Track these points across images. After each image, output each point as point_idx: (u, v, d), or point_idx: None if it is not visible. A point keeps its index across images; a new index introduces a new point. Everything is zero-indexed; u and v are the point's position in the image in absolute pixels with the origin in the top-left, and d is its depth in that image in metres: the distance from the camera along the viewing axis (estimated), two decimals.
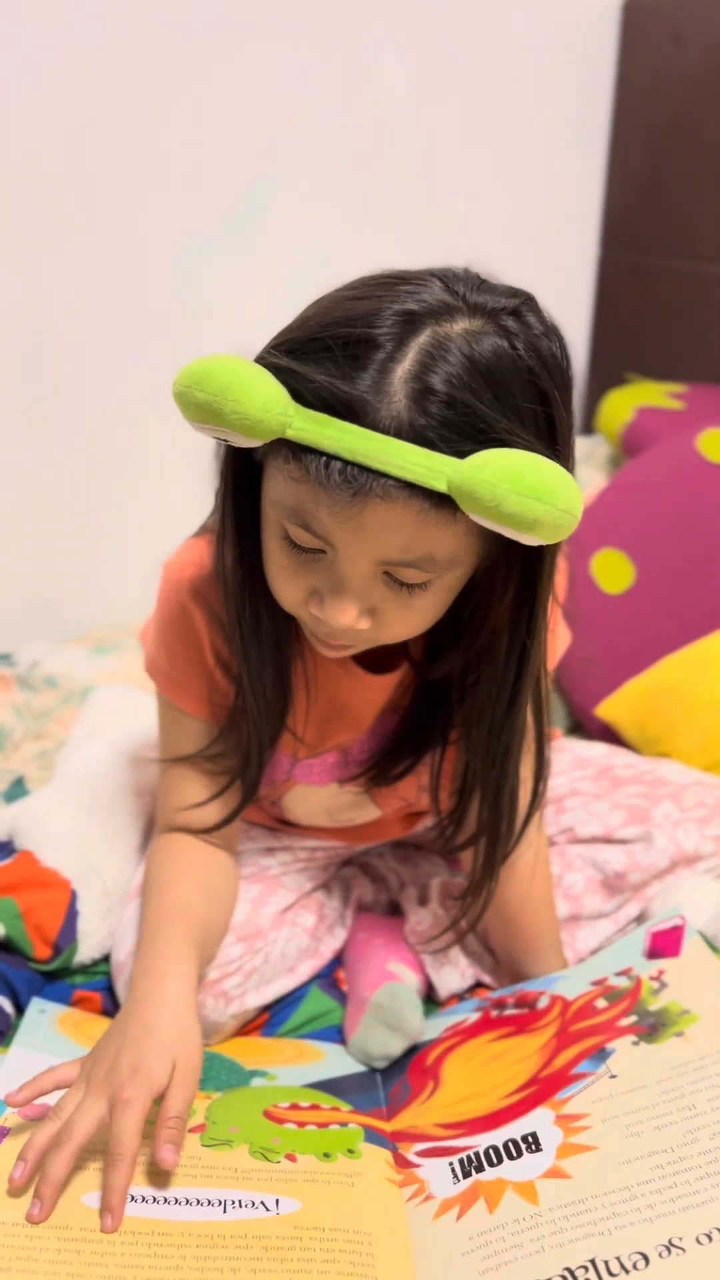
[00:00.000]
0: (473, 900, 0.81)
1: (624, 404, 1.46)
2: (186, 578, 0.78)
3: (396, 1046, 0.82)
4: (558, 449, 0.64)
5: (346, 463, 0.59)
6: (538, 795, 0.80)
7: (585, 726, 1.20)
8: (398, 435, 0.59)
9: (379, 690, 0.81)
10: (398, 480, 0.59)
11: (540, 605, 0.69)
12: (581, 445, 1.61)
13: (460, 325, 0.61)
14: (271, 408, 0.60)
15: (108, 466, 1.45)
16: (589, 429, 1.81)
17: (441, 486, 0.59)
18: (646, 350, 1.75)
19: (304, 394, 0.60)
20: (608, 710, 1.13)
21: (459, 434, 0.59)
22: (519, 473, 0.58)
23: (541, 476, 0.58)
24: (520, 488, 0.58)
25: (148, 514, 1.48)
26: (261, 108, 1.41)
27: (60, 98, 1.27)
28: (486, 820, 0.78)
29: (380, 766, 0.83)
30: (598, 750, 1.05)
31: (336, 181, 1.51)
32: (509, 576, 0.68)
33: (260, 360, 0.63)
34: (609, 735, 1.15)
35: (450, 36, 1.54)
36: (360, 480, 0.59)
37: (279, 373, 0.61)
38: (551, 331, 0.65)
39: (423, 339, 0.60)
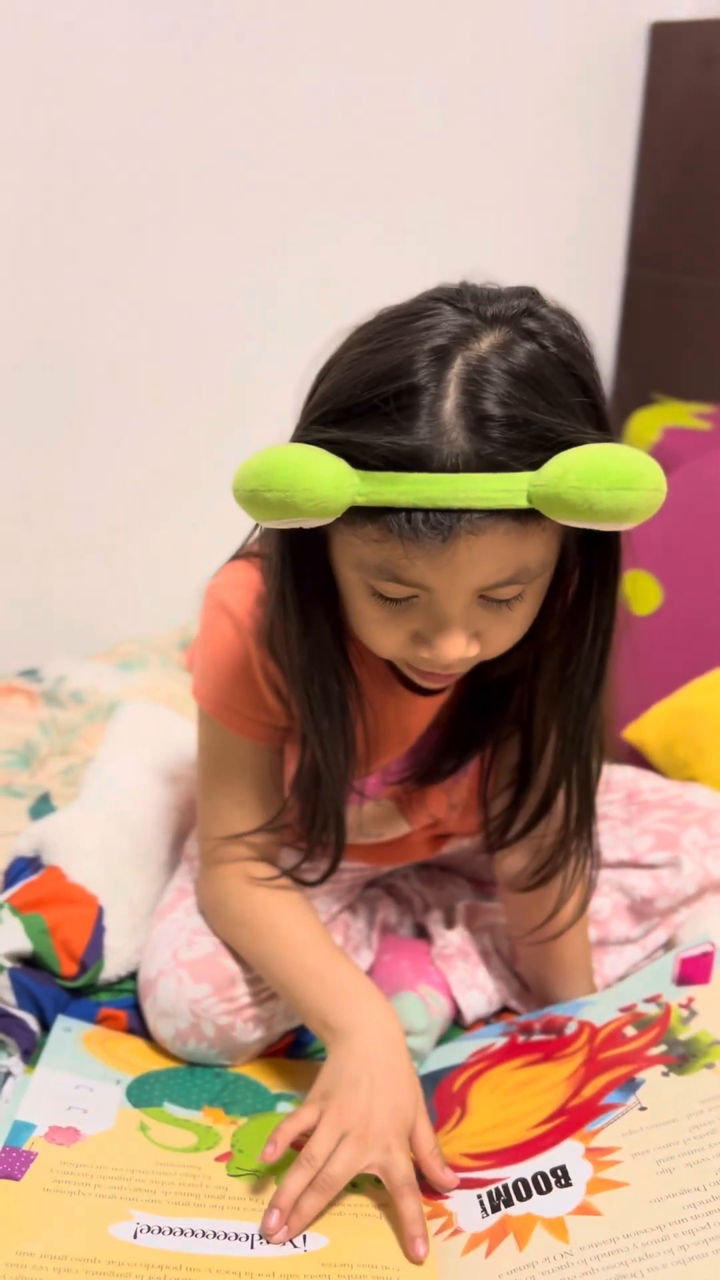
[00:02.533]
0: (576, 856, 0.81)
1: (650, 425, 1.45)
2: (233, 600, 0.78)
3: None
4: (609, 430, 0.64)
5: (428, 511, 0.59)
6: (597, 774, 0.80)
7: (612, 749, 1.19)
8: (467, 469, 0.59)
9: (428, 709, 0.81)
10: (481, 511, 0.59)
11: (618, 580, 0.69)
12: None
13: (486, 342, 0.60)
14: (342, 485, 0.60)
15: (135, 485, 1.45)
16: None
17: (524, 503, 0.59)
18: (673, 370, 1.75)
19: (364, 459, 0.60)
20: (635, 733, 1.12)
21: (526, 448, 0.59)
22: (603, 469, 0.58)
23: (625, 465, 0.58)
24: (609, 483, 0.58)
25: (173, 531, 1.48)
26: (290, 128, 1.41)
27: (85, 117, 1.27)
28: (577, 813, 0.79)
29: (426, 770, 0.83)
30: (625, 774, 1.04)
31: (364, 201, 1.51)
32: (591, 560, 0.69)
33: (308, 439, 0.62)
34: (636, 759, 1.14)
35: (478, 56, 1.55)
36: (446, 523, 0.59)
37: (332, 446, 0.61)
38: (565, 315, 0.65)
39: (457, 368, 0.59)
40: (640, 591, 1.20)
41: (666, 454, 1.41)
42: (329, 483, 0.59)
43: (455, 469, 0.58)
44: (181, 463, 1.46)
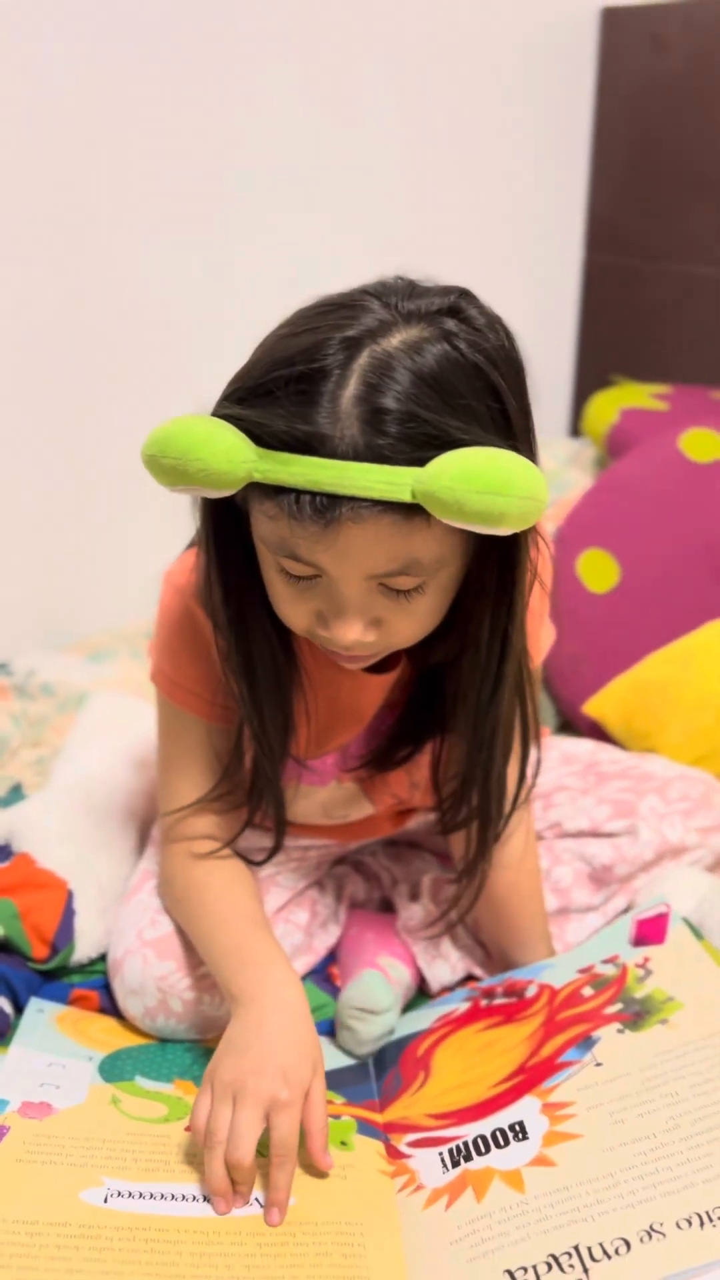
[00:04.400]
0: (467, 882, 0.83)
1: (609, 406, 1.47)
2: (189, 584, 0.80)
3: (364, 1050, 0.84)
4: (515, 438, 0.66)
5: (314, 494, 0.61)
6: (524, 778, 0.82)
7: (574, 724, 1.21)
8: (356, 458, 0.60)
9: (378, 689, 0.82)
10: (365, 500, 0.61)
11: (517, 590, 0.70)
12: (568, 447, 1.62)
13: (398, 338, 0.62)
14: (235, 458, 0.62)
15: (105, 478, 1.46)
16: (575, 431, 1.83)
17: (406, 497, 0.61)
18: (632, 352, 1.77)
19: (264, 437, 0.62)
20: (595, 707, 1.14)
21: (415, 445, 0.61)
22: (476, 472, 0.59)
23: (499, 470, 0.60)
24: (480, 486, 0.59)
25: (142, 525, 1.50)
26: (244, 116, 1.42)
27: (44, 113, 1.28)
28: (477, 804, 0.80)
29: (381, 755, 0.85)
30: (584, 746, 1.06)
31: (320, 189, 1.52)
32: (489, 564, 0.70)
33: (217, 413, 0.64)
34: (597, 732, 1.16)
35: (431, 42, 1.56)
36: (330, 508, 0.61)
37: (237, 422, 0.63)
38: (494, 322, 0.66)
39: (363, 360, 0.61)
40: (597, 569, 1.22)
41: (625, 434, 1.44)
42: (221, 456, 0.62)
43: (345, 457, 0.60)
44: (137, 454, 1.47)
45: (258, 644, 0.75)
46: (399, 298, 0.64)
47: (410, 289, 0.65)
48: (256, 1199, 0.66)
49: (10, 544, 1.42)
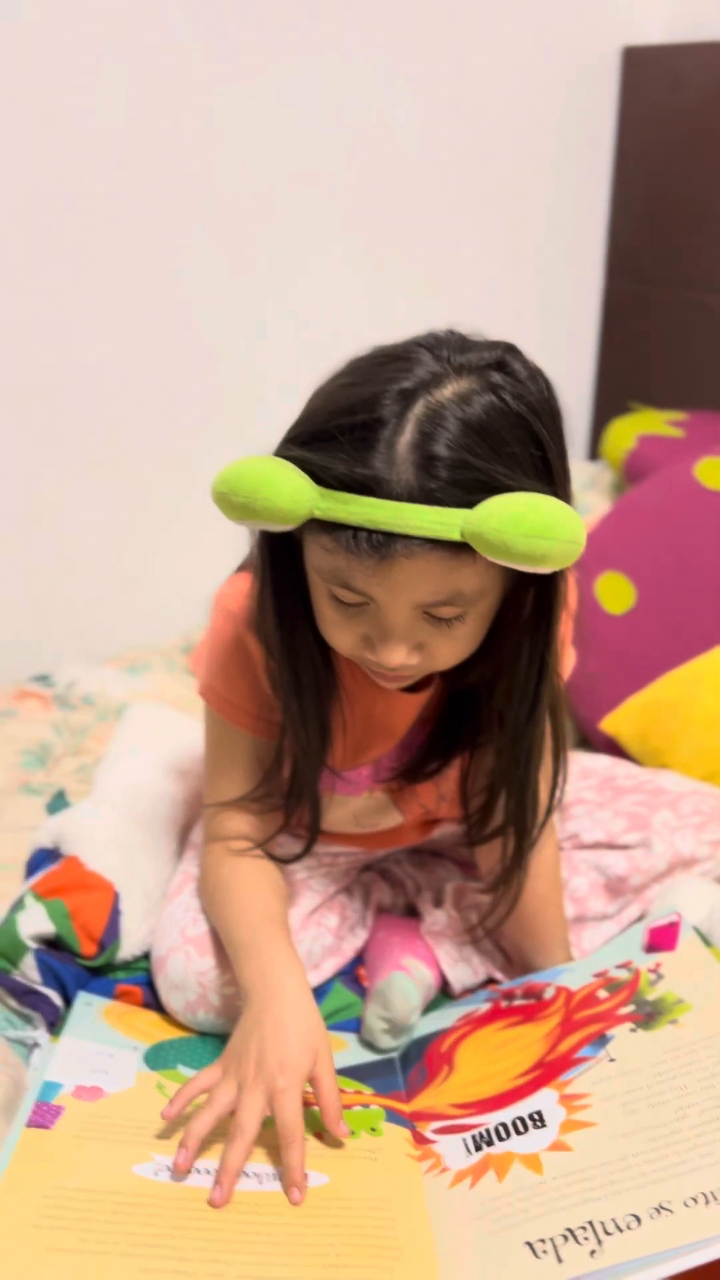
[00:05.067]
0: (503, 890, 0.89)
1: (626, 432, 1.53)
2: (240, 609, 0.85)
3: (387, 1042, 0.89)
4: (555, 483, 0.71)
5: (371, 532, 0.67)
6: (555, 790, 0.87)
7: (591, 740, 1.26)
8: (410, 500, 0.66)
9: (412, 707, 0.88)
10: (417, 538, 0.67)
11: (555, 619, 0.76)
12: (587, 471, 1.68)
13: (450, 389, 0.68)
14: (298, 498, 0.68)
15: (138, 499, 1.53)
16: (594, 455, 1.89)
17: (455, 536, 0.66)
18: (650, 378, 1.83)
19: (325, 479, 0.68)
20: (611, 724, 1.20)
21: (464, 489, 0.66)
22: (521, 516, 0.65)
23: (542, 515, 0.65)
24: (525, 529, 0.65)
25: (177, 547, 1.56)
26: (271, 147, 1.48)
27: (83, 138, 1.35)
28: (513, 814, 0.86)
29: (412, 768, 0.90)
30: (601, 762, 1.12)
31: (352, 219, 1.58)
32: (526, 595, 0.75)
33: (280, 454, 0.70)
34: (613, 748, 1.22)
35: (461, 79, 1.62)
36: (385, 545, 0.67)
37: (300, 463, 0.69)
38: (535, 374, 0.71)
39: (419, 410, 0.67)
40: (615, 591, 1.27)
41: (642, 460, 1.49)
42: (286, 495, 0.67)
43: (400, 498, 0.66)
44: (184, 476, 1.53)
45: (304, 663, 0.80)
46: (450, 351, 0.69)
47: (461, 343, 0.70)
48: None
49: (53, 564, 1.48)
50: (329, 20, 1.47)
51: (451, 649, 0.75)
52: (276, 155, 1.49)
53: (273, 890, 0.88)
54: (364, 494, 0.66)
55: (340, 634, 0.75)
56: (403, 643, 0.73)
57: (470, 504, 0.66)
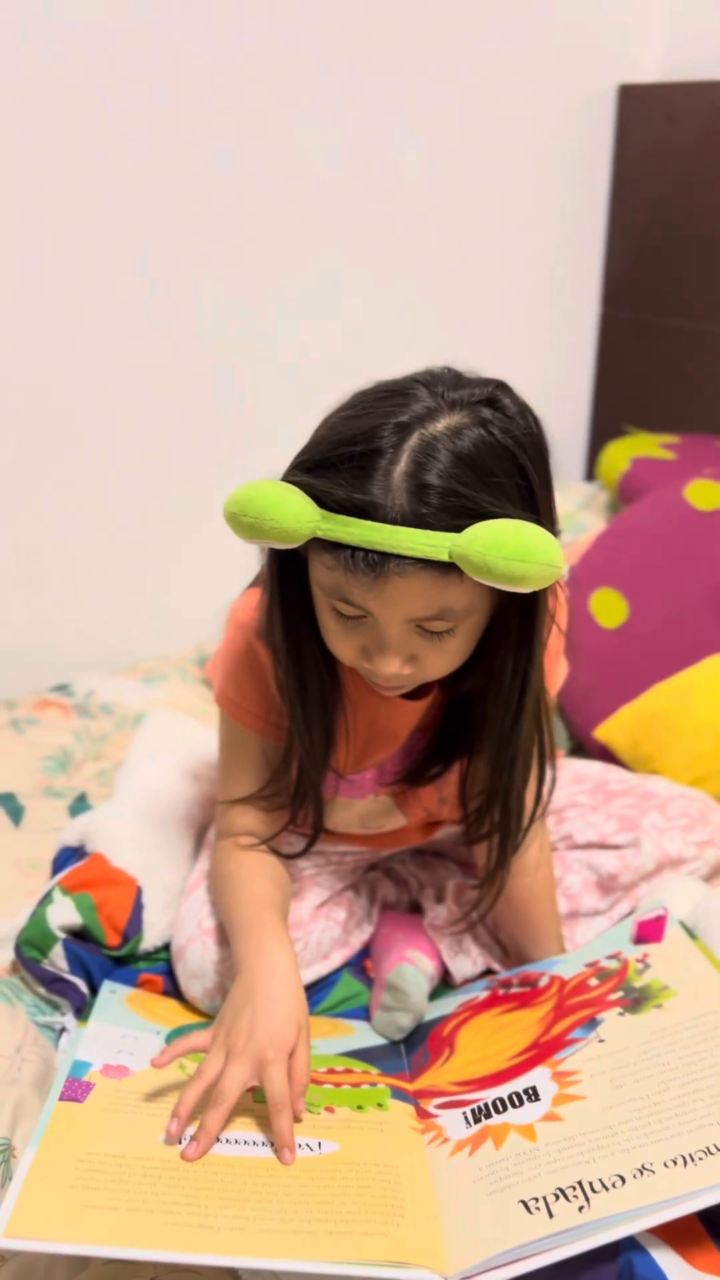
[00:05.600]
0: (488, 887, 0.95)
1: (621, 455, 1.60)
2: (252, 620, 0.92)
3: (406, 1022, 0.95)
4: (538, 511, 0.78)
5: (367, 551, 0.73)
6: (540, 798, 0.93)
7: (585, 747, 1.33)
8: (404, 524, 0.73)
9: (412, 714, 0.94)
10: (409, 559, 0.73)
11: (536, 636, 0.83)
12: (583, 491, 1.75)
13: (443, 424, 0.74)
14: (302, 519, 0.74)
15: (153, 515, 1.59)
16: (590, 476, 1.95)
17: (444, 557, 0.73)
18: (644, 402, 1.89)
19: (327, 502, 0.74)
20: (605, 733, 1.26)
21: (453, 514, 0.73)
22: (504, 541, 0.71)
23: (523, 540, 0.72)
24: (506, 553, 0.71)
25: (190, 563, 1.62)
26: (279, 181, 1.54)
27: (90, 163, 1.42)
28: (498, 819, 0.92)
29: (414, 772, 0.96)
30: (594, 768, 1.18)
31: (351, 246, 1.64)
32: (512, 612, 0.82)
33: (287, 478, 0.77)
34: (606, 755, 1.28)
35: (462, 114, 1.69)
36: (380, 564, 0.73)
37: (305, 487, 0.75)
38: (524, 411, 0.78)
39: (413, 442, 0.73)
40: (608, 607, 1.34)
41: (635, 481, 1.56)
42: (291, 517, 0.74)
43: (395, 522, 0.72)
44: (197, 493, 1.59)
45: (309, 671, 0.87)
46: (445, 387, 0.76)
47: (455, 380, 0.77)
48: (307, 1145, 0.78)
49: (72, 578, 1.55)
50: (335, 60, 1.53)
51: (442, 661, 0.81)
52: (285, 189, 1.55)
53: (272, 880, 0.94)
54: (362, 517, 0.73)
55: (341, 644, 0.82)
56: (397, 654, 0.79)
57: (458, 528, 0.72)
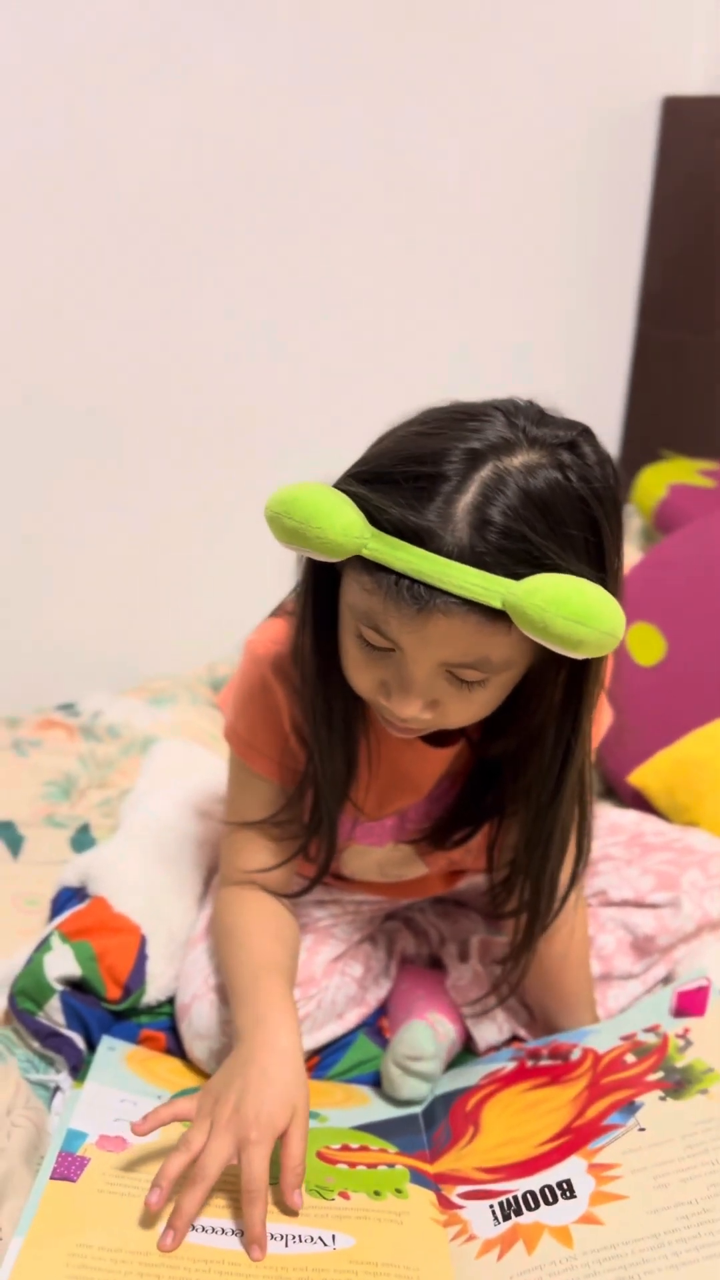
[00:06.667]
0: (512, 967, 0.88)
1: (658, 481, 1.53)
2: (269, 654, 0.85)
3: (414, 1091, 0.88)
4: (606, 571, 0.71)
5: (414, 581, 0.67)
6: (575, 878, 0.86)
7: (618, 792, 1.26)
8: (459, 559, 0.66)
9: (438, 761, 0.88)
10: (458, 598, 0.67)
11: (585, 707, 0.76)
12: None
13: (519, 459, 0.68)
14: (350, 532, 0.68)
15: (163, 530, 1.53)
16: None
17: (496, 604, 0.66)
18: (681, 424, 1.83)
19: (379, 520, 0.68)
20: (639, 778, 1.19)
21: (513, 559, 0.66)
22: (566, 598, 0.65)
23: (586, 602, 0.65)
24: (566, 612, 0.65)
25: (204, 577, 1.56)
26: (318, 190, 1.50)
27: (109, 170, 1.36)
28: (528, 898, 0.85)
29: (438, 832, 0.89)
30: (629, 817, 1.11)
31: (385, 258, 1.59)
32: (558, 676, 0.75)
33: (340, 486, 0.71)
34: (640, 800, 1.21)
35: (503, 125, 1.64)
36: (425, 597, 0.67)
37: (358, 500, 0.69)
38: (604, 461, 0.71)
39: (484, 473, 0.67)
40: (645, 643, 1.27)
41: (673, 510, 1.49)
42: (338, 528, 0.67)
43: (449, 555, 0.66)
44: (209, 509, 1.54)
45: (336, 692, 0.80)
46: (526, 421, 0.69)
47: (539, 416, 0.70)
48: (320, 1238, 0.71)
49: (80, 591, 1.49)
50: (370, 70, 1.48)
51: (465, 711, 0.74)
52: (317, 200, 1.50)
53: (276, 936, 0.87)
54: (415, 543, 0.66)
55: (361, 674, 0.75)
56: (420, 697, 0.72)
57: (516, 575, 0.66)
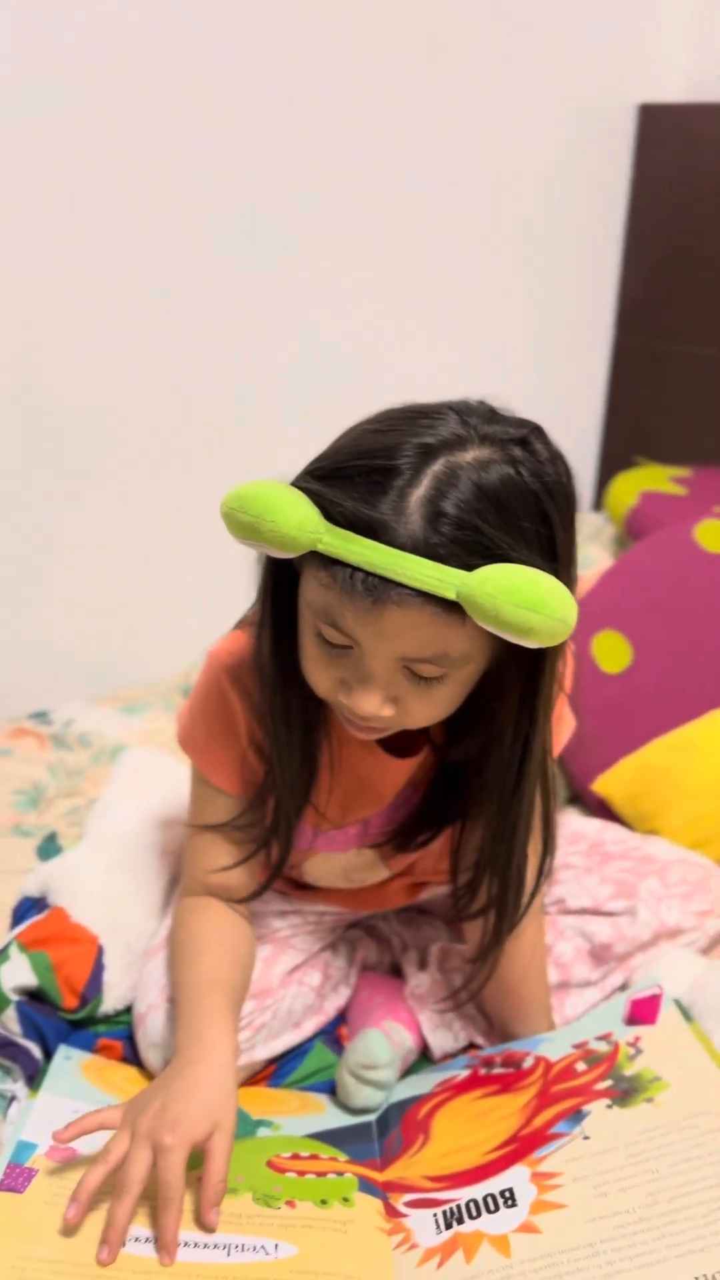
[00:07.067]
0: (479, 967, 0.88)
1: (630, 488, 1.54)
2: (228, 666, 0.86)
3: (368, 1100, 0.89)
4: (557, 563, 0.72)
5: (368, 574, 0.68)
6: (542, 873, 0.87)
7: (583, 799, 1.27)
8: (413, 551, 0.67)
9: (401, 771, 0.88)
10: (412, 590, 0.67)
11: (541, 698, 0.77)
12: (591, 522, 1.69)
13: (471, 455, 0.69)
14: (305, 527, 0.68)
15: (139, 534, 1.54)
16: (598, 507, 1.90)
17: (450, 595, 0.67)
18: (657, 431, 1.84)
19: (334, 514, 0.69)
20: (603, 786, 1.20)
21: (466, 550, 0.67)
22: (517, 587, 0.66)
23: (537, 590, 0.66)
24: (518, 600, 0.66)
25: (180, 584, 1.57)
26: (294, 194, 1.51)
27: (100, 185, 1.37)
28: (495, 895, 0.86)
29: (403, 836, 0.90)
30: (591, 826, 1.12)
31: (363, 264, 1.60)
32: (517, 671, 0.76)
33: (296, 484, 0.72)
34: (604, 808, 1.22)
35: (479, 133, 1.65)
36: (380, 589, 0.68)
37: (313, 496, 0.70)
38: (556, 458, 0.72)
39: (437, 467, 0.68)
40: (611, 650, 1.28)
41: (643, 518, 1.50)
42: (293, 523, 0.68)
43: (402, 548, 0.67)
44: (185, 512, 1.54)
45: (295, 692, 0.81)
46: (478, 420, 0.70)
47: (490, 414, 0.72)
48: (263, 1247, 0.71)
49: (49, 597, 1.50)
50: (348, 76, 1.49)
51: (427, 709, 0.75)
52: (296, 205, 1.51)
53: (226, 953, 0.87)
54: (369, 536, 0.67)
55: (319, 672, 0.75)
56: (379, 692, 0.73)
57: (470, 566, 0.67)
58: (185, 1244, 0.71)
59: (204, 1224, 0.71)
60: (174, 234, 1.42)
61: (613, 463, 1.86)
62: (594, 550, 1.60)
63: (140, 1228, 0.72)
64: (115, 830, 1.08)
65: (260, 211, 1.48)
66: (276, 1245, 0.72)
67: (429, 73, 1.56)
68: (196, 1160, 0.75)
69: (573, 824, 1.12)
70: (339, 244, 1.56)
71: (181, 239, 1.43)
